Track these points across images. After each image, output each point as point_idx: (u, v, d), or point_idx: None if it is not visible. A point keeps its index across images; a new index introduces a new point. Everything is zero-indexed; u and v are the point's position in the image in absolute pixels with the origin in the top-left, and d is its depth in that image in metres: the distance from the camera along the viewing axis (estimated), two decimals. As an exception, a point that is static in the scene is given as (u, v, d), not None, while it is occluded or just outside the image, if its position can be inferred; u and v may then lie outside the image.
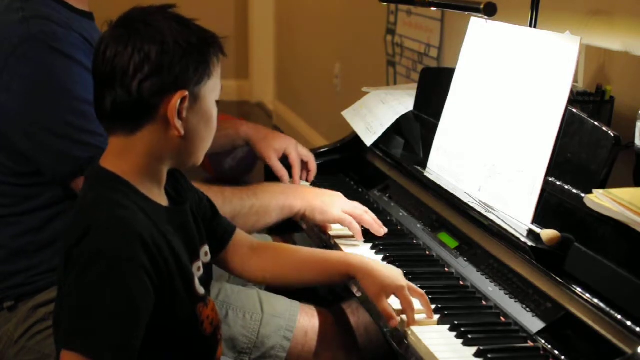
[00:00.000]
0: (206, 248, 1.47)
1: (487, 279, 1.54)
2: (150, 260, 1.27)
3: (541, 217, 1.51)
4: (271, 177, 2.14)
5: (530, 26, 1.81)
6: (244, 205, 1.79)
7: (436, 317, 1.44)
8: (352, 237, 1.80)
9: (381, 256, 1.70)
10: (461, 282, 1.58)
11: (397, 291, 1.45)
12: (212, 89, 1.34)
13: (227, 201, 1.76)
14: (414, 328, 1.39)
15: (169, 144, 1.32)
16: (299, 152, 2.14)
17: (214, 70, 1.33)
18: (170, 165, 1.37)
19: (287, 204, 1.84)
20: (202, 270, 1.43)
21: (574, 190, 1.45)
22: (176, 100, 1.28)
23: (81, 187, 1.38)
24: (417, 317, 1.42)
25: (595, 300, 1.28)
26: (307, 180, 2.15)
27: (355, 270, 1.50)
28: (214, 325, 1.45)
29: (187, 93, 1.29)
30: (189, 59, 1.29)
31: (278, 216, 1.85)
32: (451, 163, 1.81)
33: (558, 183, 1.50)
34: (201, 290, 1.40)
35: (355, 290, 1.54)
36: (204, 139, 1.36)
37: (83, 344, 1.21)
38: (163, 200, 1.39)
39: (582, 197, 1.37)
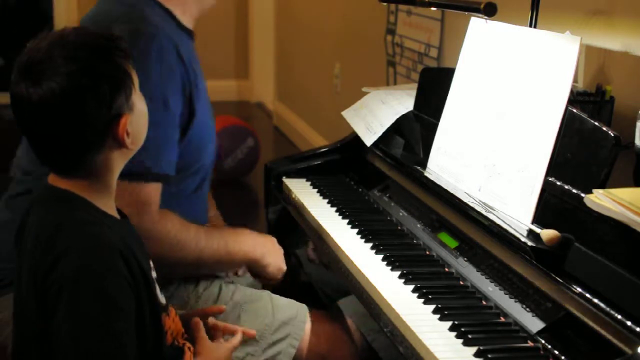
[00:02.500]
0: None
1: (487, 279, 1.54)
2: (128, 270, 1.29)
3: (541, 217, 1.51)
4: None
5: (530, 26, 1.81)
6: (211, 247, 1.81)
7: (435, 316, 1.44)
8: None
9: (381, 256, 1.70)
10: (461, 282, 1.58)
11: None
12: (137, 89, 1.35)
13: (200, 243, 1.77)
14: (414, 328, 1.39)
15: (118, 156, 1.34)
16: None
17: (133, 74, 1.33)
18: (120, 170, 1.39)
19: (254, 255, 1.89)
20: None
21: (574, 190, 1.45)
22: (123, 129, 1.30)
23: (32, 210, 1.37)
24: None
25: (595, 300, 1.28)
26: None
27: None
28: (173, 336, 1.45)
29: (126, 115, 1.30)
30: (103, 85, 1.28)
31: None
32: (451, 163, 1.81)
33: (558, 183, 1.50)
34: (162, 299, 1.41)
35: None
36: (145, 130, 1.38)
37: None
38: (115, 213, 1.40)
39: (582, 197, 1.37)
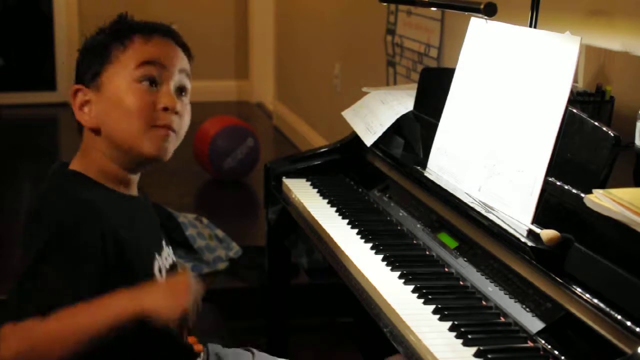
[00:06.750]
0: (169, 250, 1.51)
1: (487, 279, 1.54)
2: (102, 238, 1.32)
3: (541, 217, 1.51)
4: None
5: (530, 26, 1.81)
6: None
7: (435, 316, 1.44)
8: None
9: (381, 256, 1.70)
10: (461, 282, 1.58)
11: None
12: (117, 73, 1.39)
13: None
14: (414, 328, 1.39)
15: (99, 139, 1.40)
16: None
17: (115, 55, 1.39)
18: (125, 164, 1.42)
19: None
20: (165, 265, 1.47)
21: (574, 190, 1.45)
22: (71, 93, 1.40)
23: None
24: None
25: (595, 300, 1.28)
26: None
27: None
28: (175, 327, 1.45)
29: (80, 87, 1.40)
30: (85, 56, 1.42)
31: None
32: (451, 163, 1.81)
33: (558, 183, 1.50)
34: (160, 278, 1.43)
35: None
36: (121, 121, 1.39)
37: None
38: (126, 191, 1.45)
39: (582, 197, 1.37)
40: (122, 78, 1.38)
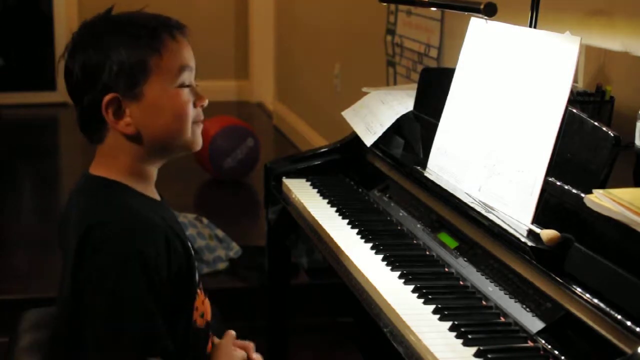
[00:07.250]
0: None
1: (487, 279, 1.54)
2: (173, 251, 1.34)
3: (541, 217, 1.51)
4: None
5: (530, 26, 1.81)
6: None
7: (435, 316, 1.44)
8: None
9: (381, 256, 1.70)
10: (461, 282, 1.58)
11: None
12: (158, 81, 1.38)
13: None
14: (414, 328, 1.39)
15: (134, 143, 1.39)
16: None
17: (155, 63, 1.37)
18: (156, 161, 1.43)
19: None
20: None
21: (574, 190, 1.45)
22: (104, 104, 1.35)
23: (73, 201, 1.41)
24: None
25: (595, 300, 1.28)
26: None
27: None
28: (204, 319, 1.47)
29: (115, 95, 1.35)
30: (108, 64, 1.35)
31: None
32: (451, 163, 1.81)
33: (558, 183, 1.50)
34: (197, 277, 1.45)
35: None
36: (171, 126, 1.40)
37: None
38: (156, 195, 1.45)
39: (582, 197, 1.37)
40: (164, 84, 1.38)
